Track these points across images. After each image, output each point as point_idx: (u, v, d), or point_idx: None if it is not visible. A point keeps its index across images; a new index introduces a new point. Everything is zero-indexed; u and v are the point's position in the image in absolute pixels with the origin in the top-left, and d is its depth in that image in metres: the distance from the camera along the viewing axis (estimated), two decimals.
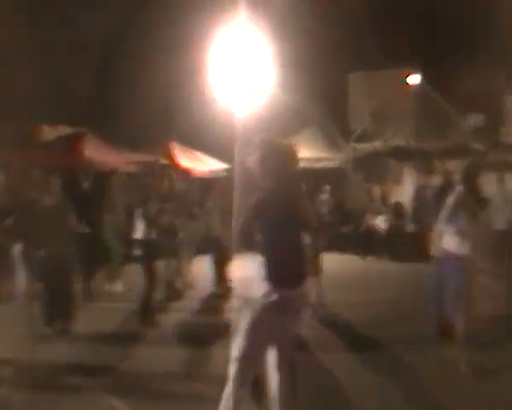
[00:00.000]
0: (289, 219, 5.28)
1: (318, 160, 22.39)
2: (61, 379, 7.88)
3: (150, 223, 10.83)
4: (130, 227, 11.48)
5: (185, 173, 18.57)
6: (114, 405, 6.88)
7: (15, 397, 7.21)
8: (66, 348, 9.14)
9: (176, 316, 10.89)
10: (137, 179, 16.36)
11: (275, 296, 5.13)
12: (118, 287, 13.00)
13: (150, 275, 10.62)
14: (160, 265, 11.81)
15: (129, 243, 11.92)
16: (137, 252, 10.88)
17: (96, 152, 17.71)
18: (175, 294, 12.63)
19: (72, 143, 18.21)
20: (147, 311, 10.52)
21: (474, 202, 8.09)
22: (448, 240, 8.03)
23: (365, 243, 19.06)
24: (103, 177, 12.46)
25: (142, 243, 10.78)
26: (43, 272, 9.71)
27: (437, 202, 14.72)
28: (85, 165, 16.59)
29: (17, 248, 9.93)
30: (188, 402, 6.88)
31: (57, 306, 9.77)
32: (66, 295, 9.89)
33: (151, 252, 10.70)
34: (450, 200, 8.06)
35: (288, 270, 5.21)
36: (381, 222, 19.38)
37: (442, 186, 14.51)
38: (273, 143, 5.58)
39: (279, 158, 5.42)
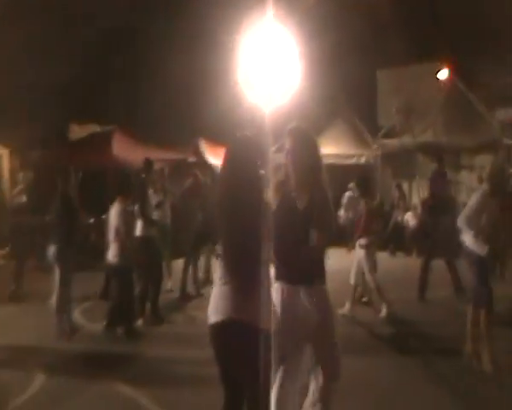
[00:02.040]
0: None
1: (347, 156, 22.31)
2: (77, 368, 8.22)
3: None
4: None
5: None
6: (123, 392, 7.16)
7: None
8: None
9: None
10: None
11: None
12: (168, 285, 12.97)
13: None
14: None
15: None
16: None
17: (125, 150, 17.81)
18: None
19: (101, 142, 18.34)
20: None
21: (498, 203, 7.92)
22: (468, 239, 7.89)
23: (394, 239, 18.99)
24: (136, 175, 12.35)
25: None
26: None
27: None
28: (115, 163, 16.69)
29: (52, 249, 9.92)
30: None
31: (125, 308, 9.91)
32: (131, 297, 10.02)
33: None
34: (473, 199, 7.93)
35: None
36: (409, 218, 19.29)
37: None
38: (306, 133, 5.13)
39: (311, 150, 5.03)
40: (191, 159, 19.69)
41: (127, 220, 9.66)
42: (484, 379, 7.45)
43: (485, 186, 7.92)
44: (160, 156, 18.02)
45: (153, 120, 21.14)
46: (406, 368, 8.06)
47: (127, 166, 15.68)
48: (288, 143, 5.00)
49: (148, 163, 11.77)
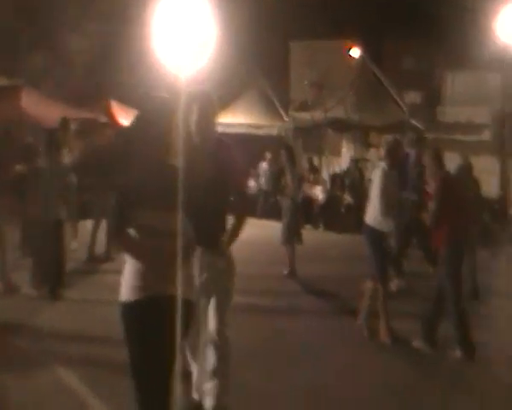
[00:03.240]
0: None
1: (258, 127, 22.42)
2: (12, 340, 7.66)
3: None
4: None
5: None
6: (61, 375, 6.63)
7: None
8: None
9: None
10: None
11: None
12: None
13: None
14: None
15: None
16: None
17: (35, 106, 17.38)
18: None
19: (8, 95, 17.84)
20: None
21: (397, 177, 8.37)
22: (372, 215, 8.19)
23: (303, 212, 19.21)
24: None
25: None
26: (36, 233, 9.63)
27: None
28: (23, 118, 16.28)
29: None
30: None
31: (47, 269, 9.55)
32: (56, 257, 9.60)
33: None
34: (377, 178, 8.21)
35: None
36: (319, 192, 19.52)
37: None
38: (207, 96, 5.17)
39: (210, 112, 5.10)
40: (102, 119, 19.40)
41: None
42: (381, 351, 7.76)
43: (384, 163, 8.24)
44: (71, 114, 17.68)
45: (65, 79, 20.68)
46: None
47: (38, 122, 15.36)
48: (195, 107, 5.02)
49: (65, 122, 11.68)
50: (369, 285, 8.18)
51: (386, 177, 8.04)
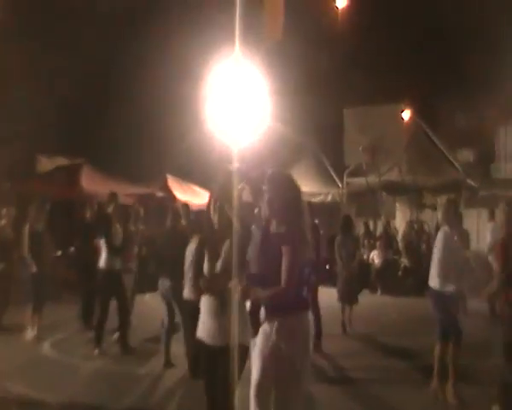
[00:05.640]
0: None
1: (313, 194, 22.56)
2: None
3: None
4: None
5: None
6: None
7: None
8: None
9: None
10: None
11: None
12: None
13: None
14: None
15: None
16: None
17: (94, 183, 17.87)
18: None
19: (69, 175, 18.39)
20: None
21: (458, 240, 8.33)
22: (436, 278, 8.17)
23: (360, 276, 19.14)
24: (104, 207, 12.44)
25: None
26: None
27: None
28: (83, 196, 16.73)
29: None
30: None
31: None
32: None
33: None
34: (439, 243, 8.24)
35: None
36: (375, 256, 19.48)
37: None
38: (288, 178, 5.19)
39: (295, 192, 5.10)
40: (159, 194, 19.78)
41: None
42: None
43: (443, 226, 8.25)
44: (129, 191, 18.10)
45: (119, 155, 21.15)
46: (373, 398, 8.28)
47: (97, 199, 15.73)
48: (266, 190, 5.09)
49: (112, 196, 11.94)
50: (437, 346, 8.20)
51: (447, 239, 8.06)
